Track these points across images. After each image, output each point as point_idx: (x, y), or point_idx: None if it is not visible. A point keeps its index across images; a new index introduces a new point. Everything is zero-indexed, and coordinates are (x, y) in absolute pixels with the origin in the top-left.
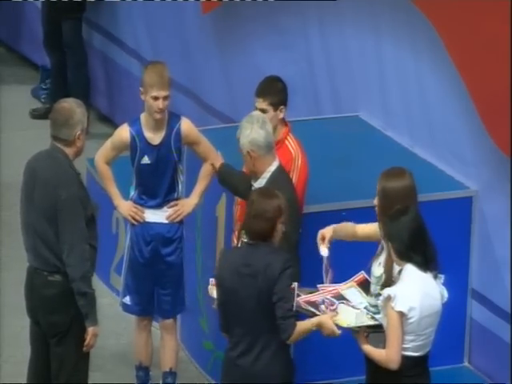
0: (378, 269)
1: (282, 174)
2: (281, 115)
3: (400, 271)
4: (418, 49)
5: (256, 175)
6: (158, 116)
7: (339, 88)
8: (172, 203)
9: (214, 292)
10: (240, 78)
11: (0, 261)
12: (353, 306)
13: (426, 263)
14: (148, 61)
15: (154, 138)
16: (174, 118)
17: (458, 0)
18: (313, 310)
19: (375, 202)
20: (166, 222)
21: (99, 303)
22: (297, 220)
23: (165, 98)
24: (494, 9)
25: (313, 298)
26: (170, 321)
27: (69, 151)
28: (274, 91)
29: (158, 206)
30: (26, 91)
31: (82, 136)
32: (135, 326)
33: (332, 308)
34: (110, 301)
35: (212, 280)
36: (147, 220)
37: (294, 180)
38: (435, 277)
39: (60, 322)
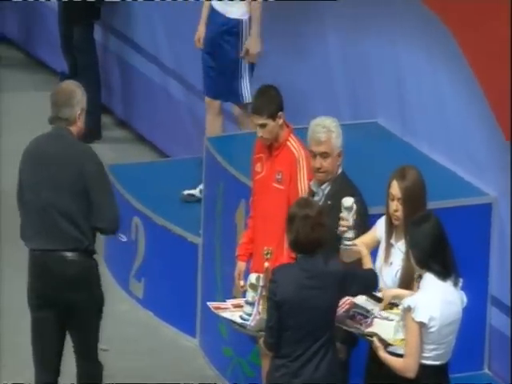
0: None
1: (346, 175)
2: (280, 121)
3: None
4: (436, 55)
5: (327, 178)
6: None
7: (357, 94)
8: None
9: (248, 294)
10: (258, 85)
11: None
12: (386, 318)
13: (446, 272)
14: (167, 66)
15: None
16: None
17: (475, 5)
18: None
19: (395, 207)
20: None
21: (118, 309)
22: (365, 221)
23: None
24: (511, 14)
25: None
26: None
27: (72, 130)
28: (269, 103)
29: None
30: (45, 97)
31: (82, 117)
32: None
33: (366, 323)
34: (129, 307)
35: (250, 279)
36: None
37: (299, 180)
38: (455, 284)
39: (82, 299)
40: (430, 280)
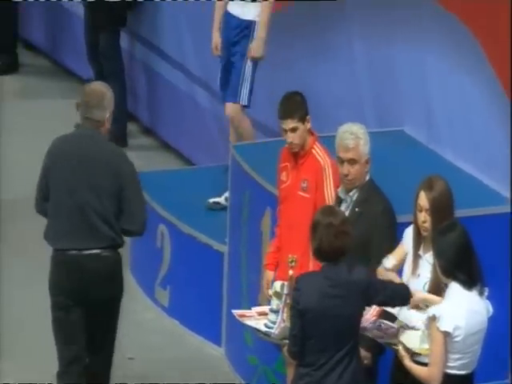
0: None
1: (373, 183)
2: (308, 126)
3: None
4: (462, 63)
5: (355, 185)
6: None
7: (384, 102)
8: None
9: (273, 302)
10: (284, 92)
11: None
12: (413, 327)
13: (471, 281)
14: (193, 74)
15: None
16: None
17: (503, 14)
18: (382, 335)
19: (423, 218)
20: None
21: (144, 318)
22: (395, 228)
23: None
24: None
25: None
26: None
27: (101, 131)
28: (298, 107)
29: None
30: (71, 105)
31: (110, 119)
32: None
33: (392, 331)
34: (155, 315)
35: (275, 287)
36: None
37: (325, 188)
38: (480, 293)
39: (113, 294)
40: (455, 289)
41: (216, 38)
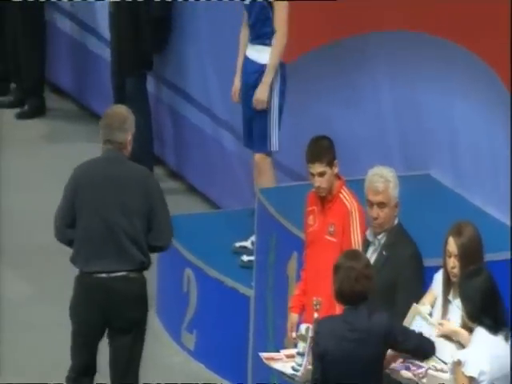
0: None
1: (402, 226)
2: (336, 170)
3: None
4: (490, 106)
5: (383, 229)
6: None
7: (410, 145)
8: None
9: (300, 345)
10: (310, 135)
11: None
12: (441, 370)
13: (497, 326)
14: (219, 117)
15: None
16: None
17: None
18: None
19: (452, 264)
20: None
21: (171, 362)
22: (422, 274)
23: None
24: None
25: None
26: None
27: (124, 153)
28: (326, 151)
29: None
30: (98, 148)
31: (131, 142)
32: None
33: (420, 373)
34: (182, 359)
35: (301, 330)
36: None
37: (352, 232)
38: (506, 338)
39: (140, 316)
40: (480, 334)
41: (236, 85)
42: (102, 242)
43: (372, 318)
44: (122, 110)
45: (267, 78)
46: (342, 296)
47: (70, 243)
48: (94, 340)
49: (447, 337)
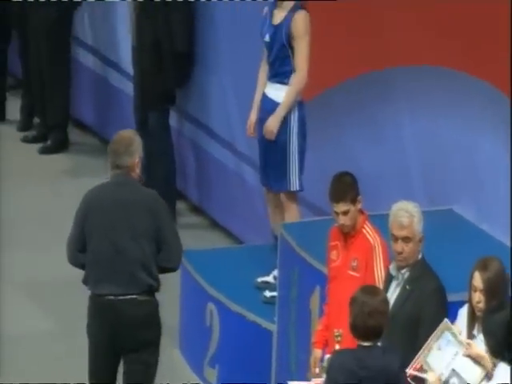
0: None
1: (425, 261)
2: (359, 206)
3: None
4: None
5: (407, 263)
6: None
7: (432, 181)
8: None
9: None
10: (333, 171)
11: None
12: None
13: None
14: (241, 152)
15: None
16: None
17: None
18: None
19: (477, 299)
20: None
21: None
22: (445, 308)
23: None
24: None
25: None
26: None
27: (133, 176)
28: (349, 188)
29: None
30: None
31: (140, 164)
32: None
33: None
34: None
35: (324, 362)
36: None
37: (375, 268)
38: None
39: (150, 338)
40: (503, 369)
41: (252, 120)
42: (111, 265)
43: (384, 358)
44: (128, 133)
45: (280, 112)
46: (355, 330)
47: (82, 267)
48: (109, 360)
49: (473, 358)
